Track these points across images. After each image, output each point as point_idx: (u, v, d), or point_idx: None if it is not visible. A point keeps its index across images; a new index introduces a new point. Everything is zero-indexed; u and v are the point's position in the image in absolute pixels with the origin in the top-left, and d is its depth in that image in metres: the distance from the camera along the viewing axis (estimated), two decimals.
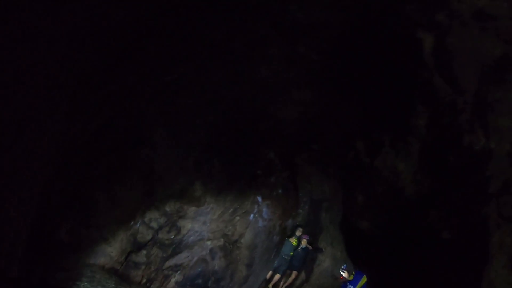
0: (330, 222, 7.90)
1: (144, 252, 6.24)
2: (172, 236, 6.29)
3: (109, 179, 5.75)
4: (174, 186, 6.05)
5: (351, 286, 5.59)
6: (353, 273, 5.75)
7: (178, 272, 6.43)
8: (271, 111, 6.10)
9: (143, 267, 6.15)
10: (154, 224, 6.22)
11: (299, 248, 7.67)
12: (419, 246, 2.64)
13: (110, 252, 6.04)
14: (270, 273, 7.59)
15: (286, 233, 7.46)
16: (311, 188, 8.31)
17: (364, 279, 5.74)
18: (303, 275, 8.37)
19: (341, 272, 6.02)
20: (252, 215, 6.48)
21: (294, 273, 7.88)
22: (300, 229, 7.70)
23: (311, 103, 5.59)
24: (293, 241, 7.59)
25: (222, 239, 6.46)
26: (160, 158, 5.94)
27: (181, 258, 6.23)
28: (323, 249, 8.45)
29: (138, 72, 4.26)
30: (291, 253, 7.58)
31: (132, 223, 6.19)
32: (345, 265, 6.03)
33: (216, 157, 6.01)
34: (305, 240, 7.67)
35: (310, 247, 7.87)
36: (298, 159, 7.48)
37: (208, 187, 6.22)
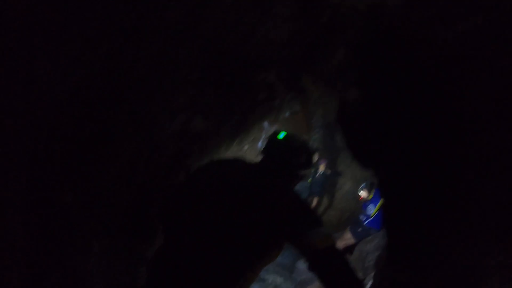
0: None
1: None
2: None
3: (105, 135, 5.44)
4: (174, 126, 5.70)
5: (371, 205, 5.15)
6: (373, 190, 5.26)
7: None
8: (261, 32, 5.48)
9: None
10: (162, 170, 6.00)
11: (317, 174, 7.44)
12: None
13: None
14: None
15: None
16: (323, 112, 7.87)
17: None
18: (325, 200, 8.21)
19: (359, 193, 5.63)
20: (260, 142, 6.15)
21: (316, 199, 7.71)
22: (316, 153, 7.40)
23: (297, 17, 4.96)
24: None
25: None
26: (151, 100, 5.56)
27: None
28: (342, 173, 8.21)
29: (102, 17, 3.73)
30: (309, 180, 7.36)
31: (140, 172, 5.99)
32: (363, 183, 5.60)
33: (211, 87, 5.56)
34: (323, 164, 7.41)
35: (329, 171, 7.63)
36: (304, 81, 6.95)
37: (209, 119, 5.86)
